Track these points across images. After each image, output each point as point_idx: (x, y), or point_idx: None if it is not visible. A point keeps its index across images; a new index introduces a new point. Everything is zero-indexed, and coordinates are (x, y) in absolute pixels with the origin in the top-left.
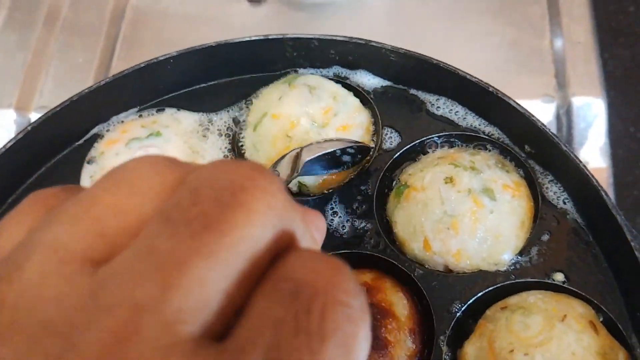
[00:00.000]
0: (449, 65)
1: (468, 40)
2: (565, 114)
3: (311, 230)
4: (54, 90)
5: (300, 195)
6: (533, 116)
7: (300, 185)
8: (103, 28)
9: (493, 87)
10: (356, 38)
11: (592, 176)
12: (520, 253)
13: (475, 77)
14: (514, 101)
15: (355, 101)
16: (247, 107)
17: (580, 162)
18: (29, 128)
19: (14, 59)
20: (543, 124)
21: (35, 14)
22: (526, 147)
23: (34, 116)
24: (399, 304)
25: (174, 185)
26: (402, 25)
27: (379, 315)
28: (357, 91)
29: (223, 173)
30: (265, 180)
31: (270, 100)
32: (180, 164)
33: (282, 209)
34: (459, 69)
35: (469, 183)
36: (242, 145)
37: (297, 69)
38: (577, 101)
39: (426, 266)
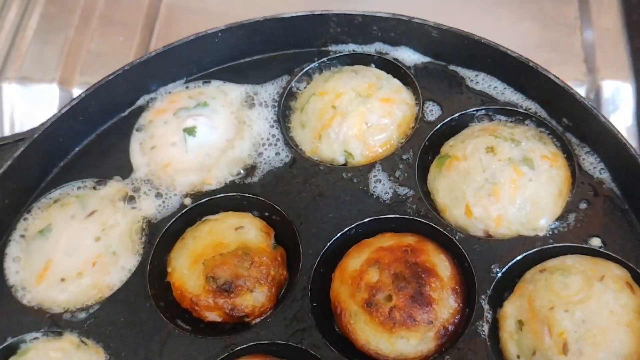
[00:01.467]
0: (490, 41)
1: (499, 25)
2: (594, 98)
3: None
4: (96, 68)
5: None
6: (572, 89)
7: (347, 155)
8: (143, 8)
9: (533, 62)
10: (399, 14)
11: (631, 145)
12: (558, 219)
13: (516, 53)
14: (554, 75)
15: (398, 82)
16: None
17: (619, 132)
18: (83, 95)
19: (57, 35)
20: (582, 97)
21: None
22: (564, 120)
23: (76, 92)
24: (441, 265)
25: None
26: (432, 10)
27: (423, 274)
28: (396, 66)
29: None
30: None
31: (317, 85)
32: None
33: None
34: (500, 45)
35: (509, 153)
36: (289, 126)
37: (339, 44)
38: (606, 85)
39: (467, 231)
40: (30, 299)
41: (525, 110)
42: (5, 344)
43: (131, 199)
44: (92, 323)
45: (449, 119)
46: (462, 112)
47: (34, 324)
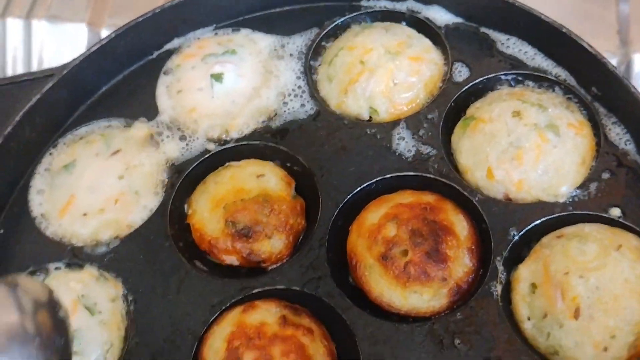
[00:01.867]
0: (524, 5)
1: None
2: (625, 71)
3: None
4: (125, 11)
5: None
6: (604, 58)
7: (372, 111)
8: None
9: (566, 28)
10: None
11: None
12: (580, 187)
13: (550, 18)
14: (587, 43)
15: (428, 41)
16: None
17: None
18: (113, 35)
19: None
20: (614, 66)
21: None
22: (593, 89)
23: (105, 33)
24: (459, 224)
25: None
26: None
27: (440, 231)
28: (427, 25)
29: None
30: None
31: (347, 39)
32: None
33: None
34: (533, 9)
35: (535, 118)
36: (316, 79)
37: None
38: (638, 58)
39: (487, 194)
40: (53, 231)
41: (555, 77)
42: (27, 271)
43: (155, 140)
44: (112, 258)
45: (476, 81)
46: (491, 75)
47: (56, 255)
